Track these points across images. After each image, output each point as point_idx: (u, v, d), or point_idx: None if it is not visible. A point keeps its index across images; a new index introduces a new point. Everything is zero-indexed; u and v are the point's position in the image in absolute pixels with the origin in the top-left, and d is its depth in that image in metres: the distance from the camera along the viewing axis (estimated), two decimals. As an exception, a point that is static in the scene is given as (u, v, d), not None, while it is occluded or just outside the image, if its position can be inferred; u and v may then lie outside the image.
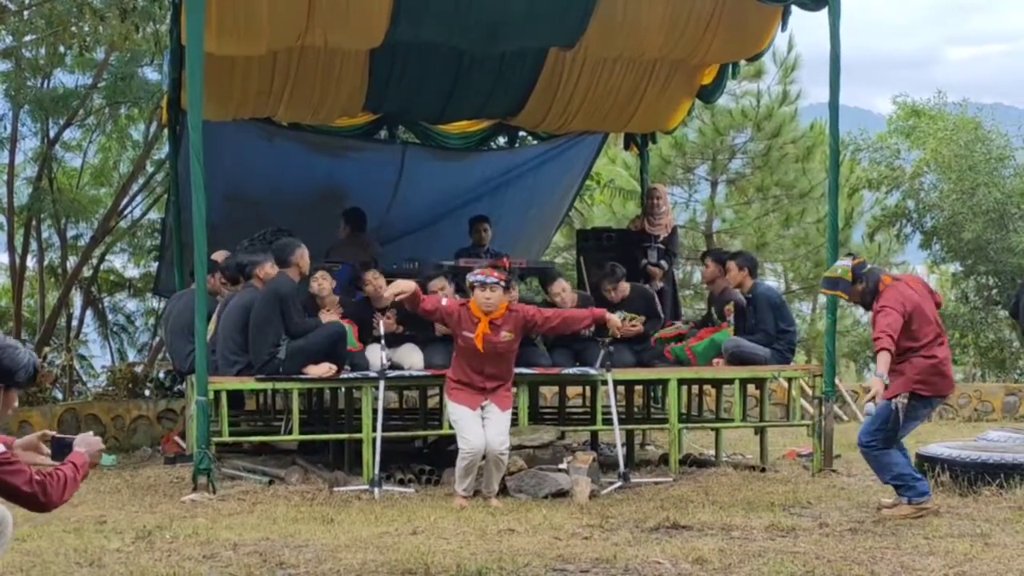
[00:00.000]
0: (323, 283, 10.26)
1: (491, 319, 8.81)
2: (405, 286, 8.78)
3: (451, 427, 9.11)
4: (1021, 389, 17.64)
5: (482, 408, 8.82)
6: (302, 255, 9.86)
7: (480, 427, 8.72)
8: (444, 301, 9.10)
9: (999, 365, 23.84)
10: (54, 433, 4.86)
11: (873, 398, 7.71)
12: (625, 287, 11.26)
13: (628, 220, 15.05)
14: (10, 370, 4.45)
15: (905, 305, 7.93)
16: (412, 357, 10.24)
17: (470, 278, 8.95)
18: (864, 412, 8.37)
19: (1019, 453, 8.99)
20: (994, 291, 24.08)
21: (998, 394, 17.58)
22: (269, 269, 10.06)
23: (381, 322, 9.89)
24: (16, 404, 4.66)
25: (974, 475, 8.79)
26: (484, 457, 8.67)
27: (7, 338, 4.52)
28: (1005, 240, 22.25)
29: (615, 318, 9.41)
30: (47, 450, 4.77)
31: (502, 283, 8.85)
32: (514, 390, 9.42)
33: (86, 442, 4.79)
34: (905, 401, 7.89)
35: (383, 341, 9.58)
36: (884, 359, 7.74)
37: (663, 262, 12.81)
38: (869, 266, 8.26)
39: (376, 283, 10.39)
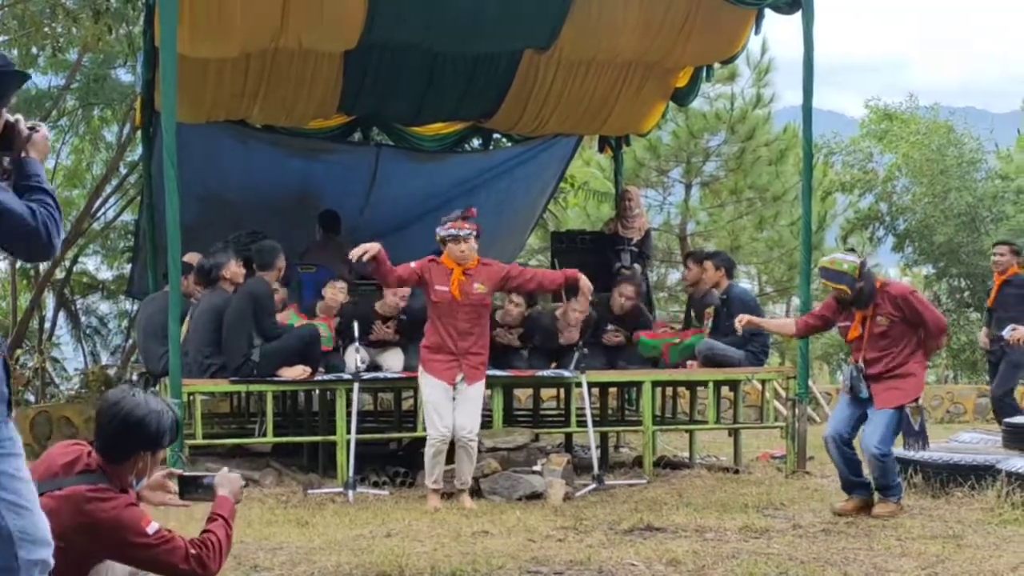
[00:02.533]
0: (338, 295, 10.30)
1: (464, 269, 8.74)
2: (368, 246, 8.61)
3: (425, 429, 9.04)
4: (992, 391, 17.71)
5: (455, 387, 8.70)
6: (283, 261, 9.94)
7: (448, 409, 8.65)
8: (412, 264, 8.88)
9: (971, 367, 23.99)
10: (181, 472, 4.57)
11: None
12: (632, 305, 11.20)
13: (603, 223, 15.07)
14: (158, 434, 4.19)
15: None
16: (392, 360, 10.27)
17: (441, 232, 8.80)
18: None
19: (991, 455, 9.03)
20: (966, 293, 24.26)
21: (970, 396, 17.68)
22: (235, 268, 10.06)
23: (356, 326, 9.85)
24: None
25: (946, 476, 8.83)
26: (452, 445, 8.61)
27: (150, 399, 4.22)
28: (977, 243, 22.41)
29: (586, 280, 9.19)
30: (174, 488, 4.49)
31: (474, 233, 8.78)
32: (487, 392, 9.38)
33: (228, 481, 4.49)
34: (916, 405, 8.02)
35: (357, 343, 9.52)
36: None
37: (636, 265, 12.81)
38: (868, 267, 8.33)
39: (335, 295, 10.36)
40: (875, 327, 8.10)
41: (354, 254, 8.67)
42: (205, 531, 4.29)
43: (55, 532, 3.86)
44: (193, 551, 4.17)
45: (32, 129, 3.90)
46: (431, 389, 8.75)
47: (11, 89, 3.80)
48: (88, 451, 4.20)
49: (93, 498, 3.99)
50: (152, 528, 4.08)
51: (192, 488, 4.48)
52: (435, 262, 8.81)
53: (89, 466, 4.12)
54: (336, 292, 10.28)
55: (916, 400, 8.03)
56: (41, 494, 3.91)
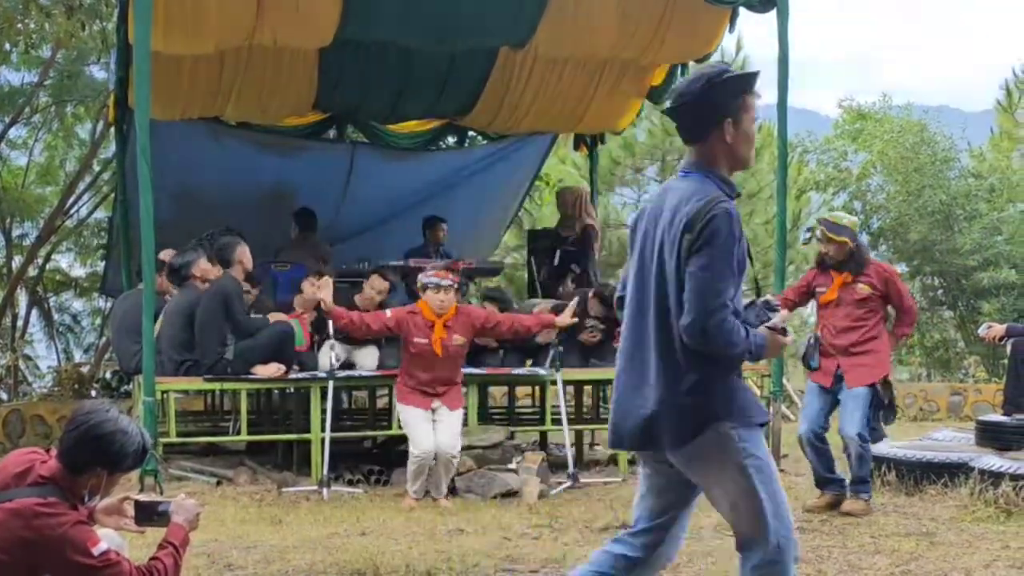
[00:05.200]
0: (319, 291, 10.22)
1: (443, 321, 8.83)
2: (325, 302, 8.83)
3: (400, 427, 9.11)
4: (966, 389, 17.81)
5: (433, 410, 8.84)
6: (243, 252, 9.87)
7: (430, 430, 8.74)
8: (388, 313, 9.07)
9: (944, 365, 24.07)
10: (137, 497, 4.49)
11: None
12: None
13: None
14: (120, 455, 4.13)
15: None
16: (367, 359, 10.26)
17: (423, 279, 8.96)
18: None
19: (964, 452, 9.08)
20: (940, 291, 24.35)
21: (943, 394, 17.74)
22: (204, 265, 10.00)
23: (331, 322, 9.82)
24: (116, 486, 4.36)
25: (920, 474, 8.86)
26: (435, 458, 8.66)
27: (122, 418, 4.17)
28: (950, 241, 22.49)
29: (563, 319, 9.38)
30: (131, 513, 4.41)
31: (455, 285, 8.92)
32: (464, 390, 9.45)
33: (183, 509, 4.39)
34: (886, 380, 8.12)
35: (332, 340, 9.52)
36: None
37: (574, 265, 12.74)
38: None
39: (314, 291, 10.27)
40: (856, 293, 8.17)
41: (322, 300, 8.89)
42: (153, 558, 4.21)
43: (1, 544, 3.88)
44: None
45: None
46: (410, 414, 8.88)
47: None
48: (43, 460, 4.13)
49: (42, 513, 3.92)
50: (99, 549, 3.99)
51: (148, 514, 4.40)
52: (413, 313, 8.91)
53: (42, 476, 4.05)
54: (313, 289, 10.20)
55: (885, 376, 8.13)
56: None
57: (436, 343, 8.81)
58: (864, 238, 24.52)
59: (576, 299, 9.88)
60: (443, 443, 8.70)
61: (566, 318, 9.37)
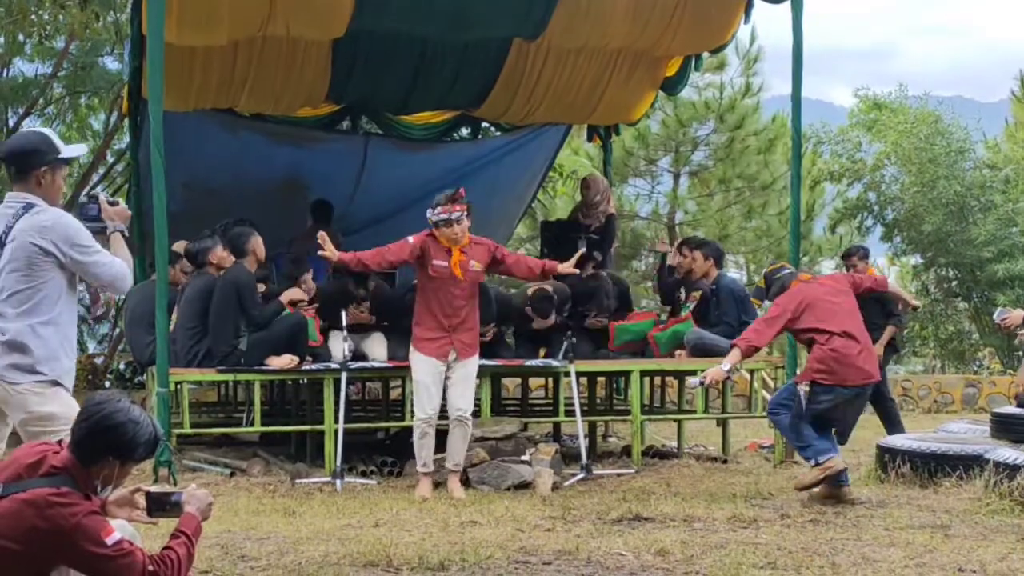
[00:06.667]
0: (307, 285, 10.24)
1: (460, 247, 8.80)
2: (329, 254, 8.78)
3: (413, 415, 9.05)
4: (980, 381, 17.77)
5: (448, 366, 8.75)
6: (256, 243, 9.87)
7: (438, 391, 8.71)
8: (410, 239, 8.92)
9: (959, 357, 24.03)
10: (149, 488, 4.47)
11: (702, 382, 8.53)
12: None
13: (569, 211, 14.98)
14: (132, 444, 4.14)
15: (793, 305, 8.46)
16: (376, 348, 10.23)
17: (433, 218, 8.78)
18: (689, 386, 9.12)
19: (978, 444, 9.03)
20: (954, 283, 24.28)
21: (958, 386, 17.69)
22: (220, 253, 10.00)
23: (344, 313, 9.81)
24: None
25: (934, 467, 8.84)
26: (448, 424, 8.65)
27: (133, 408, 4.18)
28: (965, 232, 22.42)
29: (566, 267, 9.33)
30: (143, 504, 4.41)
31: (465, 213, 8.82)
32: (476, 382, 9.36)
33: (195, 499, 4.38)
34: (807, 388, 8.27)
35: (346, 332, 9.53)
36: (733, 355, 8.45)
37: (596, 253, 12.75)
38: (784, 271, 8.82)
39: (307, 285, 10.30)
40: None
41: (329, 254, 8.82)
42: (166, 547, 4.20)
43: (15, 535, 3.88)
44: (151, 567, 4.07)
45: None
46: (423, 368, 8.77)
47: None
48: (55, 450, 4.13)
49: (55, 503, 3.92)
50: (112, 539, 3.99)
51: (160, 505, 4.40)
52: (432, 237, 8.82)
53: (54, 466, 4.05)
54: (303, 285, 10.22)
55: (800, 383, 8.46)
56: (5, 496, 3.95)
57: (455, 265, 8.74)
58: (878, 229, 24.49)
59: (581, 252, 9.84)
60: (454, 402, 8.70)
61: (568, 266, 9.30)
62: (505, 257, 9.24)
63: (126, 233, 5.61)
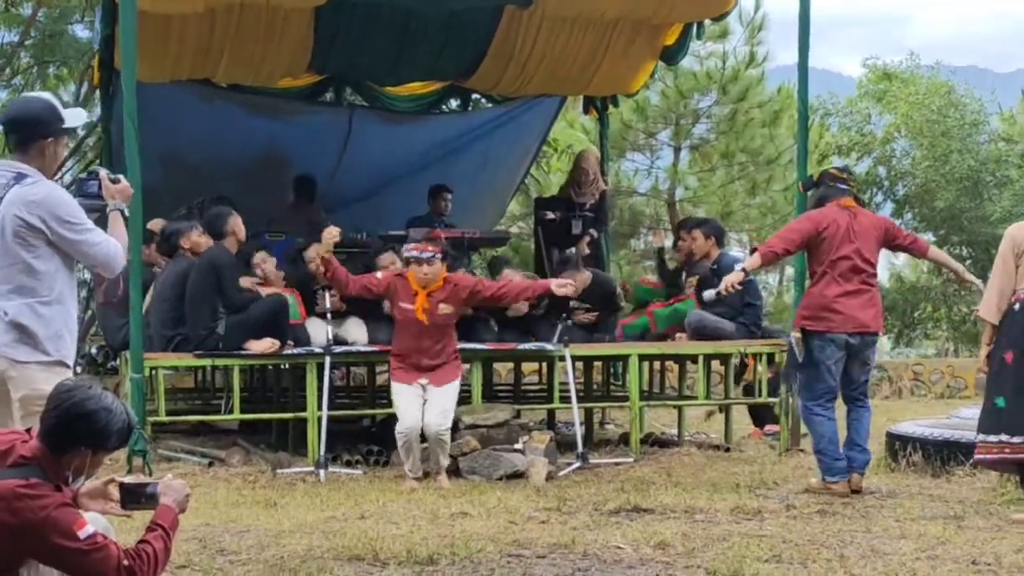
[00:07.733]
0: (265, 266, 10.22)
1: (429, 291, 8.85)
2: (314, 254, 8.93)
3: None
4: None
5: (422, 386, 8.83)
6: (236, 223, 9.65)
7: (417, 405, 8.75)
8: (378, 275, 9.12)
9: (972, 339, 23.86)
10: (123, 479, 4.41)
11: (719, 292, 8.32)
12: (585, 277, 11.05)
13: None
14: (104, 433, 4.05)
15: (815, 223, 8.06)
16: (357, 332, 10.13)
17: (405, 253, 9.02)
18: (706, 298, 9.22)
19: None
20: (968, 262, 24.08)
21: (971, 370, 17.45)
22: (196, 237, 9.84)
23: (327, 296, 9.67)
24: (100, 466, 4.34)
25: (947, 454, 8.75)
26: (424, 438, 8.68)
27: (106, 395, 4.11)
28: (979, 209, 22.24)
29: (559, 288, 9.21)
30: (116, 496, 4.32)
31: (438, 255, 8.90)
32: (465, 367, 9.44)
33: (171, 490, 4.31)
34: (798, 335, 8.05)
35: (329, 315, 9.44)
36: (753, 259, 8.22)
37: (592, 231, 12.51)
38: (837, 186, 8.30)
39: (264, 267, 10.30)
40: None
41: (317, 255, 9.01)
42: (142, 541, 4.13)
43: None
44: (126, 561, 4.00)
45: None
46: (399, 390, 8.90)
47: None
48: (23, 439, 4.07)
49: (23, 495, 3.84)
50: (85, 532, 3.93)
51: (135, 497, 4.32)
52: (402, 277, 8.98)
53: (23, 457, 3.98)
54: (262, 264, 10.23)
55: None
56: None
57: (419, 310, 8.84)
58: (889, 206, 24.22)
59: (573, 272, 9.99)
60: (430, 421, 8.68)
61: (562, 288, 9.21)
62: (487, 290, 9.26)
63: (127, 213, 5.52)
